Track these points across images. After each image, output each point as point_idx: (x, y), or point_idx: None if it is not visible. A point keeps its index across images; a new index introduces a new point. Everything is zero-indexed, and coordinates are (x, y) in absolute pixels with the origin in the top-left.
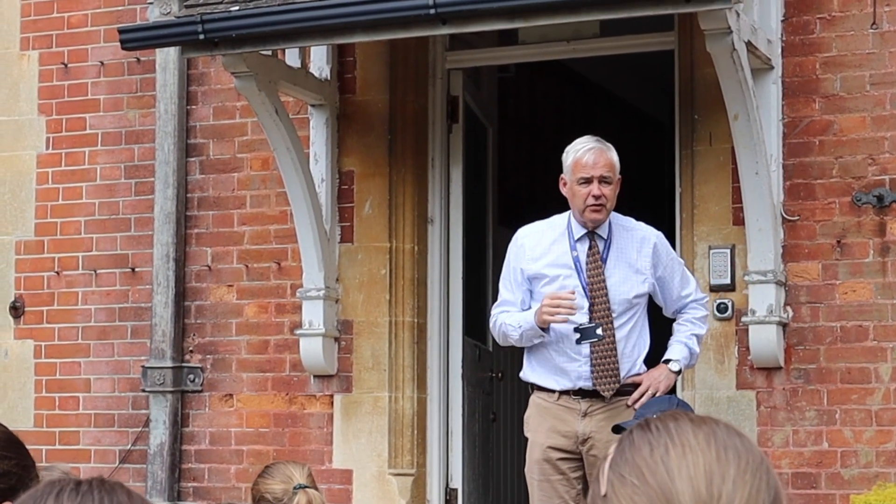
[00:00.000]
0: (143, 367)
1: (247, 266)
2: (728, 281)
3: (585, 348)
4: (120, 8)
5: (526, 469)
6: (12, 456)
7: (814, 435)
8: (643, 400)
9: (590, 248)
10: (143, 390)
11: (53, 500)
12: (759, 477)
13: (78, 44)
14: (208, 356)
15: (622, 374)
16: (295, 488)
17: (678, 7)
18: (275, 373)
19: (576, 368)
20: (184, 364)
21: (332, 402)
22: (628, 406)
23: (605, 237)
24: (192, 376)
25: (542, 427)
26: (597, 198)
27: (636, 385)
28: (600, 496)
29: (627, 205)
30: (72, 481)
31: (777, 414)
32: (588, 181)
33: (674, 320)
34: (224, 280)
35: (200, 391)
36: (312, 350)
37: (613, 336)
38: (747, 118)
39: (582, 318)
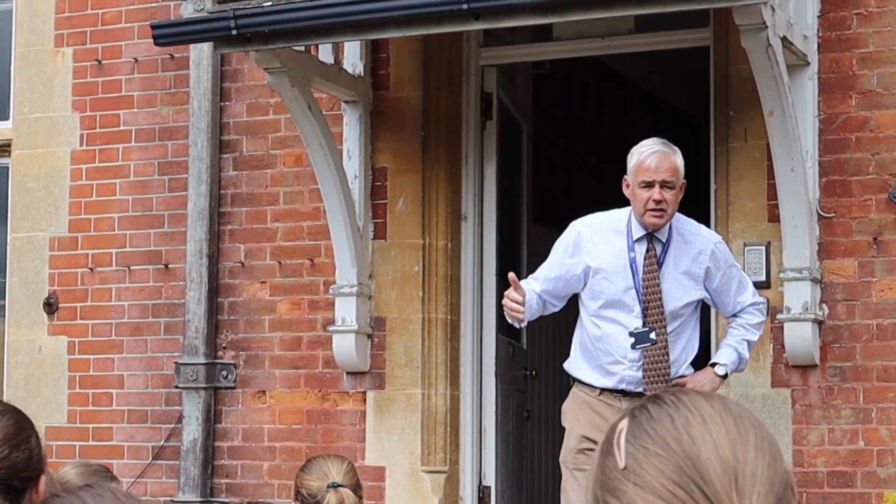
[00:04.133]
0: (176, 363)
1: (280, 262)
2: (763, 278)
3: (635, 353)
4: (154, 5)
5: (560, 458)
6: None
7: (849, 433)
8: None
9: (647, 251)
10: (177, 387)
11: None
12: (774, 447)
13: (112, 40)
14: (241, 353)
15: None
16: (328, 486)
17: (713, 2)
18: (308, 369)
19: (621, 371)
20: (217, 360)
21: (364, 399)
22: None
23: (664, 241)
24: (224, 373)
25: (581, 418)
26: (657, 202)
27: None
28: (618, 469)
29: None
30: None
31: (812, 412)
32: (650, 185)
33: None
34: (257, 276)
35: (233, 387)
36: (345, 347)
37: (666, 341)
38: (783, 114)
39: (636, 322)
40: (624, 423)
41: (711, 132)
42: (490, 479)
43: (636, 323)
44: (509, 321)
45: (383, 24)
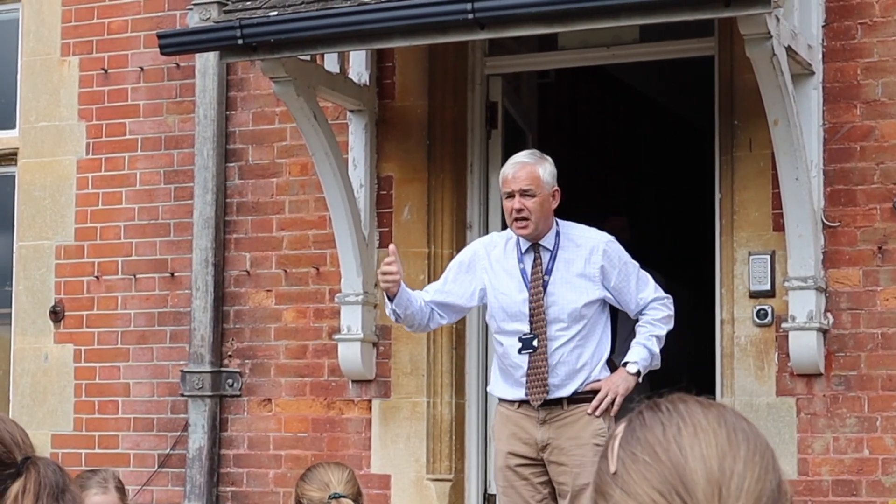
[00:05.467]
0: (181, 371)
1: (285, 271)
2: (768, 287)
3: (523, 358)
4: (160, 14)
5: (493, 478)
6: None
7: (854, 442)
8: (603, 406)
9: (534, 261)
10: (182, 395)
11: None
12: (767, 460)
13: (118, 49)
14: (247, 361)
15: (580, 381)
16: (330, 497)
17: (718, 12)
18: (313, 378)
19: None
20: (222, 369)
21: (370, 407)
22: (588, 414)
23: (551, 248)
24: (230, 381)
25: (503, 435)
26: (518, 211)
27: (595, 392)
28: (609, 474)
29: (667, 210)
30: None
31: (817, 421)
32: (511, 195)
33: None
34: (263, 285)
35: (239, 396)
36: (351, 355)
37: (546, 347)
38: (787, 124)
39: (526, 329)
40: (620, 428)
41: (716, 141)
42: (495, 488)
43: (527, 331)
44: (384, 288)
45: (389, 34)
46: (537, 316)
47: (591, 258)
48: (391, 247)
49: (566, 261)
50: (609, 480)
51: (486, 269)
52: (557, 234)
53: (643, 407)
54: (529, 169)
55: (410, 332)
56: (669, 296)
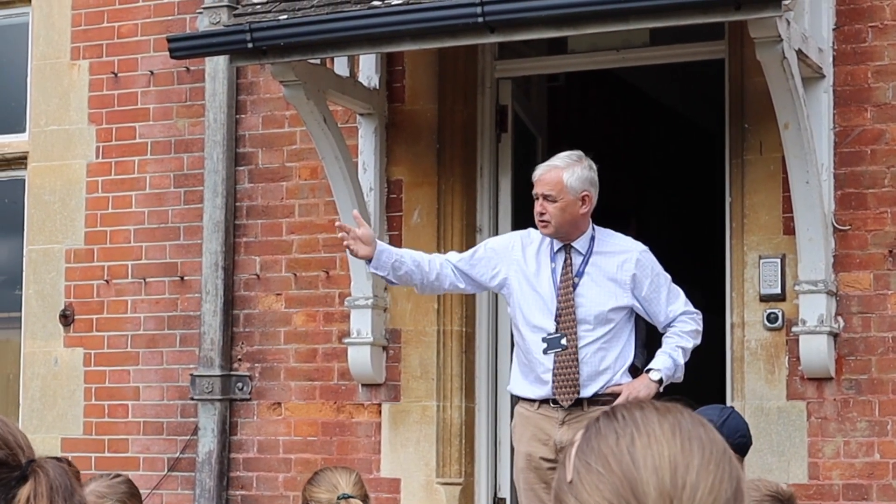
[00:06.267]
0: (191, 375)
1: (295, 275)
2: (778, 291)
3: (551, 358)
4: (169, 18)
5: (514, 478)
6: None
7: (865, 446)
8: None
9: (565, 261)
10: (192, 398)
11: None
12: (723, 468)
13: (128, 53)
14: (256, 364)
15: (601, 384)
16: (339, 498)
17: (728, 15)
18: (323, 381)
19: (549, 378)
20: (232, 372)
21: (380, 411)
22: None
23: (584, 252)
24: (240, 385)
25: (523, 436)
26: (540, 214)
27: (616, 395)
28: (566, 482)
29: (676, 214)
30: None
31: (828, 425)
32: (536, 197)
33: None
34: (272, 289)
35: (249, 399)
36: (360, 359)
37: (576, 347)
38: (798, 127)
39: (551, 327)
40: (579, 436)
41: (726, 145)
42: (505, 492)
43: (552, 330)
44: (350, 253)
45: (399, 38)
46: (566, 315)
47: (623, 265)
48: (354, 212)
49: (598, 265)
50: (565, 489)
51: (518, 261)
52: (592, 238)
53: (601, 414)
54: (555, 174)
55: (421, 293)
56: (699, 311)
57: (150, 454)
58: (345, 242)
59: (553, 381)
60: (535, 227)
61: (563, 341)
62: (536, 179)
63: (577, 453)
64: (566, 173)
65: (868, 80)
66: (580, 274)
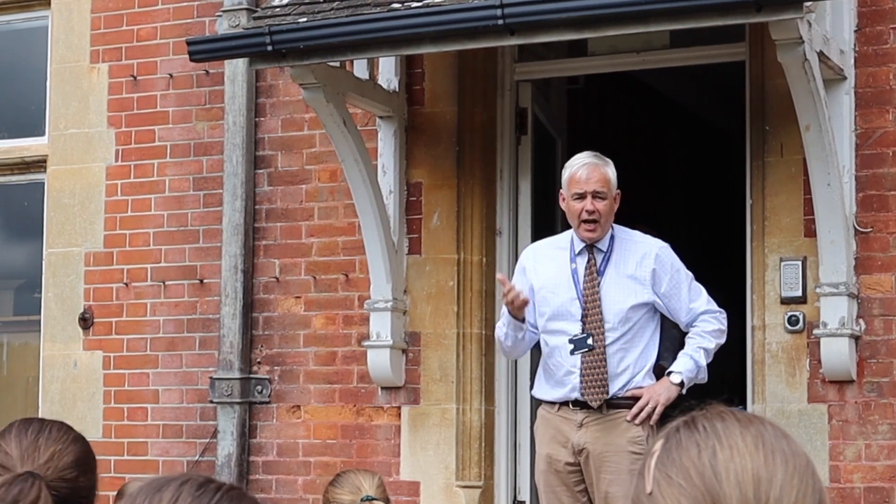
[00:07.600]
0: (211, 378)
1: (315, 278)
2: (799, 293)
3: (578, 359)
4: (189, 21)
5: (535, 480)
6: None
7: (886, 449)
8: (643, 415)
9: (588, 262)
10: (211, 401)
11: (174, 489)
12: (806, 481)
13: (147, 56)
14: (276, 367)
15: (618, 385)
16: (362, 500)
17: (749, 17)
18: (342, 384)
19: (571, 380)
20: (251, 375)
21: (399, 414)
22: (628, 421)
23: (605, 250)
24: (259, 388)
25: (544, 438)
26: (590, 213)
27: (636, 399)
28: (645, 493)
29: (695, 216)
30: (201, 477)
31: (849, 428)
32: (582, 196)
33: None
34: (292, 292)
35: (268, 402)
36: (380, 362)
37: (604, 347)
38: (819, 129)
39: (576, 329)
40: (658, 446)
41: (747, 147)
42: (525, 494)
43: (578, 331)
44: (514, 317)
45: (418, 40)
46: (592, 316)
47: (643, 262)
48: (499, 275)
49: (618, 263)
50: (644, 501)
51: (535, 270)
52: (612, 237)
53: (680, 424)
54: (602, 171)
55: (508, 357)
56: (723, 310)
57: (169, 457)
58: (511, 297)
59: (581, 383)
60: (552, 232)
61: (590, 341)
62: (584, 178)
63: (658, 464)
64: (609, 169)
65: (890, 82)
66: (602, 272)
